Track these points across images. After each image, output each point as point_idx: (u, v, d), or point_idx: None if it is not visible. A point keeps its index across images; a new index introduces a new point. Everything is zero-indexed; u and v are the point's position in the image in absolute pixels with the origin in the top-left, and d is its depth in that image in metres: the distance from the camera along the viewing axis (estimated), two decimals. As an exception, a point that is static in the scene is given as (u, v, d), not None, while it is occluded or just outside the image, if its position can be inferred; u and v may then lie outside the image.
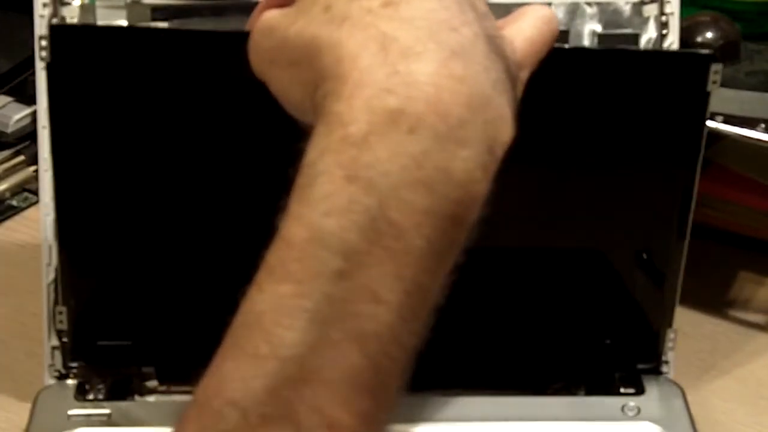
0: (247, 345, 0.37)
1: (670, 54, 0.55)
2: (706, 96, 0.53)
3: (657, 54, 0.55)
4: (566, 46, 0.55)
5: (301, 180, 0.38)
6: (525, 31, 0.45)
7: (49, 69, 0.53)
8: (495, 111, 0.40)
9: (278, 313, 0.37)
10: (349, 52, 0.39)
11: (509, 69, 0.42)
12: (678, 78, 0.53)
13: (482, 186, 0.39)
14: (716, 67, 0.52)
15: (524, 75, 0.44)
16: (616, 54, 0.54)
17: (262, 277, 0.38)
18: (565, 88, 0.53)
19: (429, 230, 0.38)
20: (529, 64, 0.44)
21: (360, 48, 0.39)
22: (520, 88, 0.44)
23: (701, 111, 0.53)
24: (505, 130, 0.40)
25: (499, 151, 0.40)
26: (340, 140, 0.38)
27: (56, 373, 0.58)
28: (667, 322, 0.58)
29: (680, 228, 0.56)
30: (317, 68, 0.40)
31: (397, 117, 0.38)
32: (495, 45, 0.41)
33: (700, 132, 0.54)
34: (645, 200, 0.56)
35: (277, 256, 0.38)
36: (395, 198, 0.37)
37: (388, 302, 0.37)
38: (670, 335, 0.59)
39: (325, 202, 0.38)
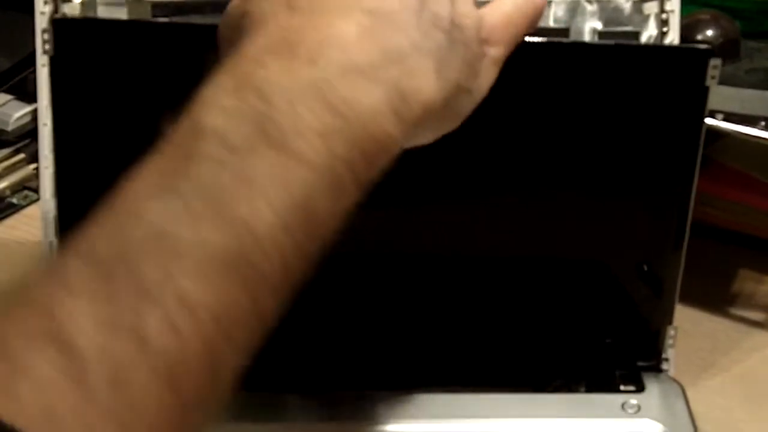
0: (114, 214, 0.37)
1: (668, 49, 0.55)
2: (705, 91, 0.53)
3: (656, 49, 0.55)
4: (564, 40, 0.55)
5: (197, 92, 0.39)
6: (502, 7, 0.46)
7: (52, 62, 0.53)
8: (412, 67, 0.41)
9: (148, 185, 0.37)
10: (263, 11, 0.41)
11: (459, 43, 0.43)
12: (677, 73, 0.53)
13: (391, 128, 0.40)
14: (715, 62, 0.52)
15: (496, 52, 0.45)
16: (615, 49, 0.54)
17: (145, 158, 0.38)
18: (564, 83, 0.53)
19: (326, 151, 0.38)
20: (502, 40, 0.45)
21: (275, 6, 0.41)
22: (489, 65, 0.45)
23: (700, 106, 0.53)
24: (424, 89, 0.41)
25: (416, 107, 0.41)
26: (237, 58, 0.39)
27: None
28: (667, 319, 0.58)
29: (680, 225, 0.56)
30: (240, 34, 0.41)
31: (296, 47, 0.39)
32: (435, 17, 0.42)
33: (699, 127, 0.54)
34: (645, 199, 0.56)
35: (159, 144, 0.38)
36: (288, 109, 0.38)
37: (270, 203, 0.37)
38: (670, 333, 0.59)
39: (212, 100, 0.38)
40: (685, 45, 0.56)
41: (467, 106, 0.45)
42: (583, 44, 0.56)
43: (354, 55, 0.40)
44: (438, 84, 0.42)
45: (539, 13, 0.47)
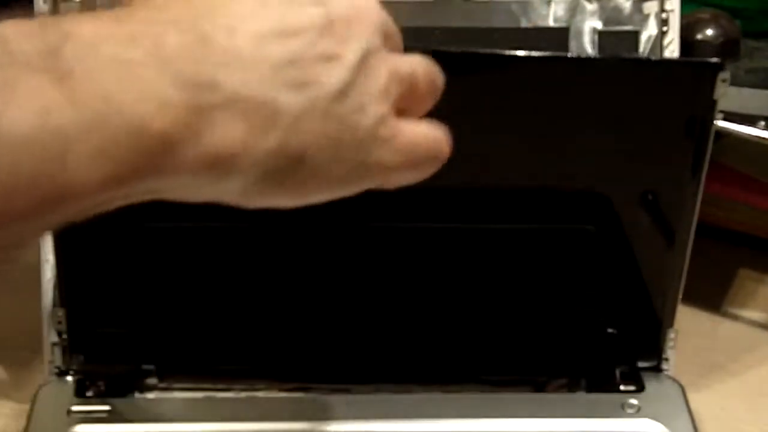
0: None
1: (678, 63, 0.55)
2: (713, 104, 0.53)
3: (666, 63, 0.55)
4: (570, 54, 0.55)
5: None
6: (398, 60, 0.42)
7: None
8: (222, 105, 0.39)
9: None
10: None
11: (347, 129, 0.41)
12: (686, 86, 0.53)
13: (170, 131, 0.38)
14: (723, 76, 0.52)
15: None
16: (625, 62, 0.54)
17: None
18: (571, 95, 0.53)
19: (95, 111, 0.36)
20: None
21: None
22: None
23: (708, 118, 0.53)
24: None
25: (209, 149, 0.39)
26: None
27: (56, 370, 0.58)
28: (668, 321, 0.58)
29: (684, 231, 0.56)
30: None
31: (120, 29, 0.38)
32: (308, 82, 0.40)
33: (706, 140, 0.54)
34: (653, 201, 0.56)
35: None
36: (79, 62, 0.37)
37: (23, 114, 0.35)
38: (671, 335, 0.59)
39: (16, 22, 0.37)
40: (694, 60, 0.56)
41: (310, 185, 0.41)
42: (591, 58, 0.56)
43: (167, 53, 0.38)
44: (247, 137, 0.39)
45: (433, 88, 0.43)
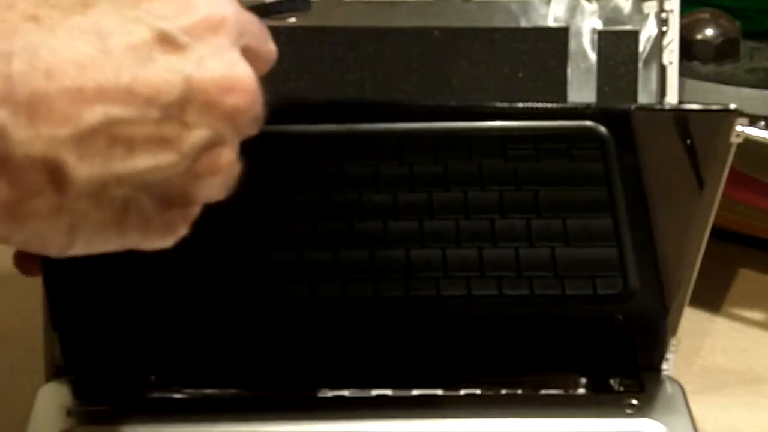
0: None
1: (695, 111, 0.55)
2: (729, 147, 0.53)
3: (683, 111, 0.55)
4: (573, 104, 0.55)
5: None
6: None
7: None
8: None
9: None
10: None
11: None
12: (703, 130, 0.53)
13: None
14: (741, 121, 0.52)
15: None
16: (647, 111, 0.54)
17: None
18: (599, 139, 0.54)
19: None
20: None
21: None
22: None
23: (723, 162, 0.53)
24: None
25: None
26: None
27: (56, 370, 0.58)
28: (672, 325, 0.58)
29: (693, 247, 0.56)
30: None
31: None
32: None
33: (719, 182, 0.54)
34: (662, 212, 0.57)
35: None
36: None
37: None
38: (672, 341, 0.59)
39: None
40: (712, 107, 0.56)
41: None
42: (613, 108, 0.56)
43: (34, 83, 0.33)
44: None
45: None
